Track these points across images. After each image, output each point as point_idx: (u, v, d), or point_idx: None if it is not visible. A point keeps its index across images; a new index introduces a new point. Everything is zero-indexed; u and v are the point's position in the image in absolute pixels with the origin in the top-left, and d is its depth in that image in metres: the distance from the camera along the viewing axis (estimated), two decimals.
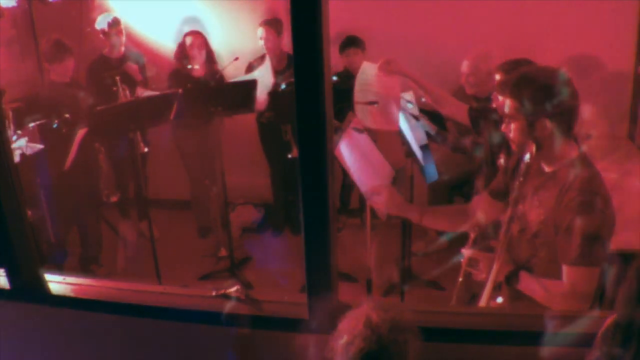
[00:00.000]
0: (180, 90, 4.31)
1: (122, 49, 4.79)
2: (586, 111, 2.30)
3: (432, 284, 4.31)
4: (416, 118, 3.67)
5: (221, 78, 4.67)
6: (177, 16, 4.74)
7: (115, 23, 4.70)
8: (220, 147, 4.68)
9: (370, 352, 1.71)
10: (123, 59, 4.75)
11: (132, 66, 4.71)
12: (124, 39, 4.79)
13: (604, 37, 4.08)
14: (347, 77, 4.75)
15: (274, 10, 4.80)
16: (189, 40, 4.66)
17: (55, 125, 4.26)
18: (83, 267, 4.70)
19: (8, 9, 4.93)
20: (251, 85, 4.43)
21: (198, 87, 4.52)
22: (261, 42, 4.69)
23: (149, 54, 4.85)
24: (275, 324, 2.45)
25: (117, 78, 4.42)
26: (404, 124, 3.72)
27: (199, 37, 4.68)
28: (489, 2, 4.48)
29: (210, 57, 4.74)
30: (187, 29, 4.68)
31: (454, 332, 2.35)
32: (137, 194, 4.92)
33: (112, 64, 4.73)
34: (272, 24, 4.67)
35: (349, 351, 1.73)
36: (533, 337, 2.17)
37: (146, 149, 4.40)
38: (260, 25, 4.70)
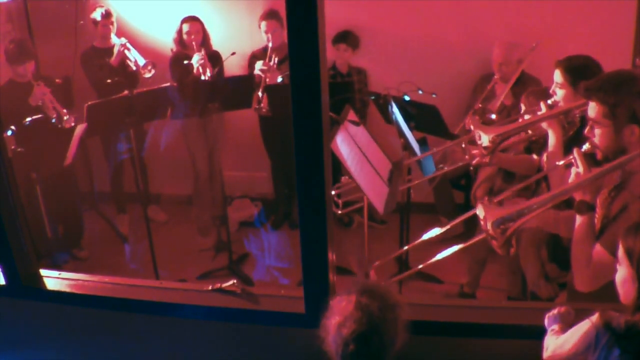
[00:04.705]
0: (175, 84, 4.29)
1: (112, 40, 4.82)
2: None
3: (429, 277, 4.30)
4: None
5: (221, 70, 4.64)
6: (177, 15, 4.72)
7: (107, 15, 4.75)
8: (222, 140, 4.69)
9: (362, 333, 1.75)
10: (113, 49, 4.77)
11: (131, 68, 4.74)
12: (114, 30, 4.83)
13: (601, 37, 4.09)
14: (335, 75, 4.78)
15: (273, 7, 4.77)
16: (185, 27, 4.66)
17: (53, 120, 4.25)
18: (64, 250, 4.75)
19: (3, 4, 4.91)
20: (249, 81, 4.40)
21: (195, 82, 4.49)
22: (265, 36, 4.67)
23: (149, 54, 4.84)
24: (272, 318, 2.45)
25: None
26: (400, 117, 3.71)
27: (195, 24, 4.67)
28: (488, 2, 4.48)
29: (207, 43, 4.73)
30: (186, 28, 4.66)
31: (450, 325, 2.35)
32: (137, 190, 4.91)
33: (102, 54, 4.75)
34: (275, 15, 4.66)
35: (342, 332, 1.77)
36: (529, 331, 2.17)
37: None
38: (263, 18, 4.69)
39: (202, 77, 4.52)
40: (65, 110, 4.29)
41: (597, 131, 2.21)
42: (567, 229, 2.35)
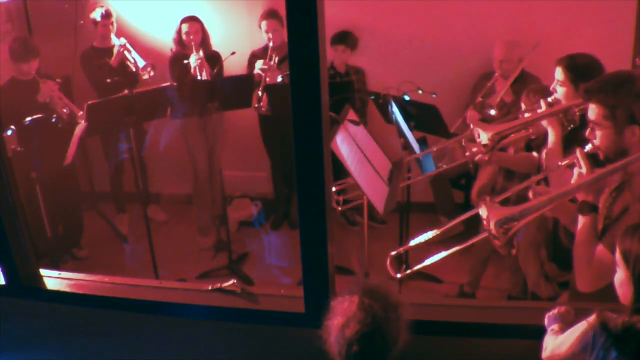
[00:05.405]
0: (175, 84, 4.29)
1: (112, 40, 4.82)
2: None
3: (429, 277, 4.30)
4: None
5: (220, 69, 4.64)
6: (177, 15, 4.73)
7: (107, 15, 4.76)
8: (222, 140, 4.70)
9: (365, 333, 1.75)
10: (112, 49, 4.77)
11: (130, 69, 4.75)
12: (114, 30, 4.84)
13: (601, 37, 4.09)
14: (334, 75, 4.78)
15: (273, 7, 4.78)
16: (184, 27, 4.66)
17: (53, 120, 4.25)
18: (64, 250, 4.75)
19: (3, 4, 4.91)
20: (249, 80, 4.40)
21: (194, 82, 4.49)
22: (266, 35, 4.68)
23: (149, 54, 4.84)
24: (272, 318, 2.45)
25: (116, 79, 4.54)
26: (400, 117, 3.71)
27: (194, 24, 4.67)
28: (488, 2, 4.48)
29: (206, 43, 4.73)
30: (185, 29, 4.66)
31: (450, 325, 2.36)
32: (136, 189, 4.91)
33: (102, 54, 4.76)
34: (275, 15, 4.67)
35: (345, 333, 1.77)
36: (529, 331, 2.17)
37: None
38: (263, 18, 4.69)
39: (199, 78, 4.52)
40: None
41: (598, 133, 2.21)
42: (568, 217, 2.34)
